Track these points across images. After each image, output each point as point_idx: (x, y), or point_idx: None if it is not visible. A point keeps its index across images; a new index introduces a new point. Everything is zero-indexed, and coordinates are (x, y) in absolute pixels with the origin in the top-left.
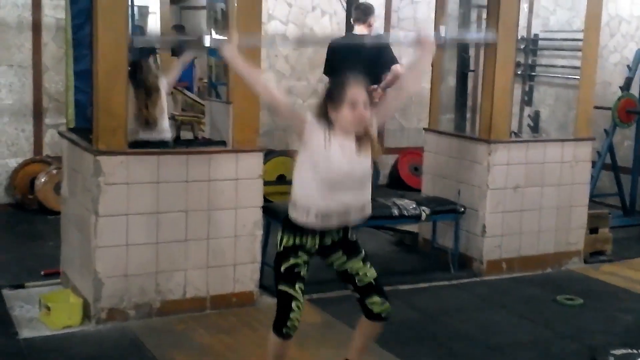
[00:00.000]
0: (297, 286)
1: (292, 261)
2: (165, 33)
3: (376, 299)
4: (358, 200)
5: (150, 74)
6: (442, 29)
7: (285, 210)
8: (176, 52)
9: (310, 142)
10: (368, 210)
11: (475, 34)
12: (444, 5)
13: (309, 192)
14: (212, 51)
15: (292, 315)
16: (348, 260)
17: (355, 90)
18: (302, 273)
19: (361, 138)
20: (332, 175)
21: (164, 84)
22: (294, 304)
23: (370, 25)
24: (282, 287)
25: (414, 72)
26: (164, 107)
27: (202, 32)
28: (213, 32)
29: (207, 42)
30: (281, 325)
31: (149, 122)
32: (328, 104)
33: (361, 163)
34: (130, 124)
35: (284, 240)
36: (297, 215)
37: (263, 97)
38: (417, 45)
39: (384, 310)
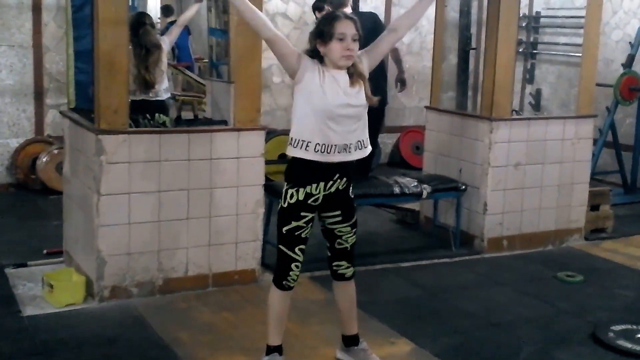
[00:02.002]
0: (296, 249)
1: (293, 224)
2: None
3: (344, 263)
4: (356, 134)
5: (151, 31)
6: None
7: None
8: (165, 12)
9: (305, 78)
10: (368, 148)
11: None
12: None
13: (307, 126)
14: (213, 30)
15: (291, 273)
16: (341, 222)
17: (344, 24)
18: (303, 235)
19: (352, 74)
20: (328, 106)
21: (165, 41)
22: (292, 265)
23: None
24: (283, 248)
25: (411, 16)
26: (164, 68)
27: None
28: None
29: None
30: (280, 279)
31: (147, 83)
32: (317, 39)
33: (355, 95)
34: (129, 84)
35: (289, 196)
36: (297, 152)
37: (262, 33)
38: None
39: (347, 272)
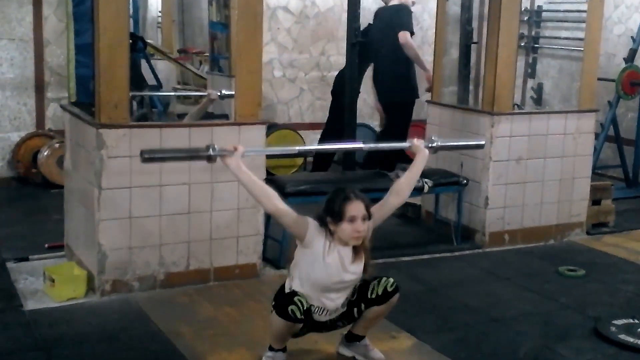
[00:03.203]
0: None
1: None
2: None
3: (372, 284)
4: (344, 302)
5: None
6: (434, 137)
7: (288, 183)
8: None
9: (311, 247)
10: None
11: (466, 141)
12: None
13: (305, 289)
14: (214, 24)
15: (299, 293)
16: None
17: (355, 206)
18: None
19: (357, 247)
20: (327, 282)
21: None
22: (299, 293)
23: None
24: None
25: (410, 178)
26: None
27: (208, 146)
28: (216, 146)
29: (213, 154)
30: (285, 305)
31: None
32: (328, 217)
33: (355, 270)
34: None
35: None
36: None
37: (266, 207)
38: (412, 151)
39: (386, 284)
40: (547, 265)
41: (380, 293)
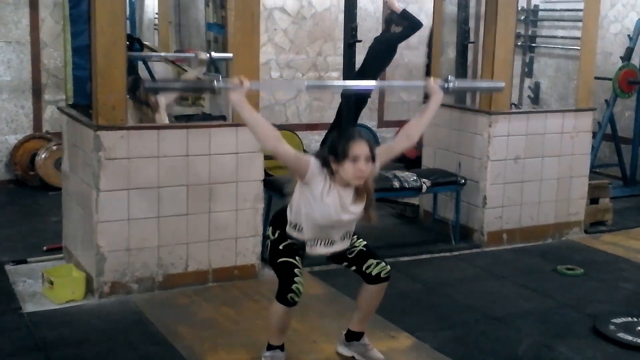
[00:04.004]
0: (296, 257)
1: (289, 241)
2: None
3: (371, 261)
4: (343, 235)
5: (147, 94)
6: (451, 77)
7: (286, 183)
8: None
9: (311, 186)
10: (349, 238)
11: (483, 82)
12: None
13: (302, 223)
14: (211, 25)
15: (296, 279)
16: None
17: (359, 146)
18: (300, 252)
19: (359, 189)
20: (325, 221)
21: (162, 102)
22: (296, 270)
23: None
24: (282, 259)
25: (421, 121)
26: (166, 121)
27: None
28: (221, 78)
29: (217, 86)
30: (285, 291)
31: None
32: (331, 156)
33: (355, 211)
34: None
35: (278, 237)
36: (291, 232)
37: (266, 147)
38: (426, 92)
39: (382, 270)
40: (546, 264)
41: (374, 274)
